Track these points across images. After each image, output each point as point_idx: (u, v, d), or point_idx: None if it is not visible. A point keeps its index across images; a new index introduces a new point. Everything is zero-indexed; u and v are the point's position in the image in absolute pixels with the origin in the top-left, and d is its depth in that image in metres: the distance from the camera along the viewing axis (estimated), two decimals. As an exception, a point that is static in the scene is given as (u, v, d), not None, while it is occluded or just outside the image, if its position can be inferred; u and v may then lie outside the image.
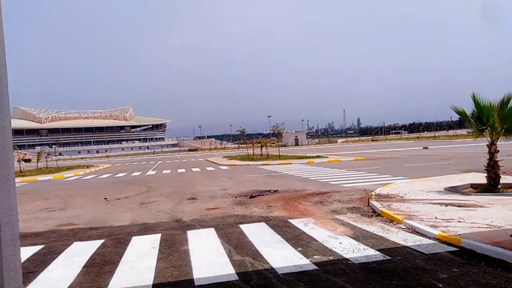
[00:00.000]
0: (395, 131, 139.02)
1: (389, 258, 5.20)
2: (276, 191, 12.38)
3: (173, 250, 6.14)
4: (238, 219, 8.33)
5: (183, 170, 26.43)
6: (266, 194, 11.74)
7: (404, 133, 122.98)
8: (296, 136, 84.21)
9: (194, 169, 26.31)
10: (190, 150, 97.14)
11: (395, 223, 7.19)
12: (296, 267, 5.01)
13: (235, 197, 11.57)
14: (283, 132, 52.77)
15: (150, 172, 26.05)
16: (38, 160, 37.40)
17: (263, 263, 5.25)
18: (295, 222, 7.66)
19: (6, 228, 3.90)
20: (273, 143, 73.21)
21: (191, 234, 7.17)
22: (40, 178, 25.86)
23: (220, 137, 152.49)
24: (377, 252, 5.47)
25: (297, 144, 79.62)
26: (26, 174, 28.75)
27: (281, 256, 5.52)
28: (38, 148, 50.07)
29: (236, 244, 6.26)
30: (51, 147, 65.88)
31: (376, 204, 8.57)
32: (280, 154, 33.98)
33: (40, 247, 6.87)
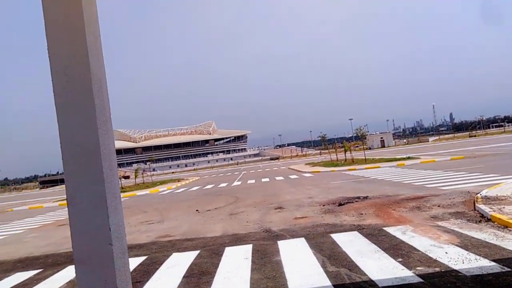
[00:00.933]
0: (496, 124, 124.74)
1: (509, 269, 4.56)
2: (366, 197, 11.82)
3: (266, 261, 6.14)
4: (329, 228, 8.08)
5: (267, 179, 26.74)
6: (356, 201, 11.26)
7: (508, 126, 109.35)
8: (381, 138, 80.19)
9: (277, 178, 26.47)
10: (271, 159, 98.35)
11: (511, 229, 6.33)
12: (398, 280, 4.65)
13: (323, 205, 11.29)
14: (367, 135, 50.66)
15: (236, 183, 26.83)
16: (136, 177, 40.99)
17: (361, 275, 4.97)
18: (391, 230, 7.18)
19: (116, 242, 4.22)
20: (357, 146, 70.62)
21: (281, 244, 7.12)
22: (139, 193, 28.20)
23: (300, 144, 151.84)
24: (493, 263, 4.84)
25: (383, 146, 75.79)
26: (126, 190, 31.61)
27: (380, 267, 5.17)
28: (134, 166, 55.02)
29: (329, 255, 6.04)
30: (146, 164, 71.82)
31: (484, 207, 7.66)
32: (366, 157, 32.60)
33: (143, 258, 7.39)
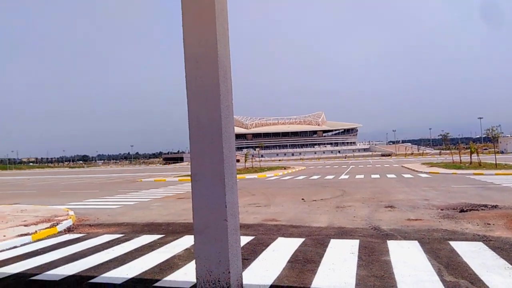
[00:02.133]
0: None
1: None
2: (494, 206, 10.43)
3: (373, 259, 5.90)
4: (447, 234, 7.37)
5: (377, 176, 25.52)
6: (482, 209, 10.02)
7: None
8: (518, 141, 69.59)
9: (389, 175, 25.06)
10: (383, 155, 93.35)
11: None
12: (533, 304, 4.03)
13: (441, 210, 10.33)
14: (499, 137, 44.26)
15: (343, 176, 26.23)
16: (245, 161, 43.12)
17: (485, 291, 4.43)
18: (526, 247, 6.22)
19: (231, 219, 4.52)
20: (486, 149, 62.43)
21: (391, 244, 6.75)
22: (248, 176, 29.61)
23: (417, 142, 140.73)
24: None
25: (518, 151, 65.71)
26: (236, 173, 33.48)
27: (510, 286, 4.54)
28: (244, 151, 57.77)
29: (447, 263, 5.52)
30: (255, 150, 74.89)
31: None
32: (497, 162, 28.63)
33: (251, 237, 7.77)
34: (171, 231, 8.87)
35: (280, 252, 6.53)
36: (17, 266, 6.28)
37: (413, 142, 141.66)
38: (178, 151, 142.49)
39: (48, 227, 9.22)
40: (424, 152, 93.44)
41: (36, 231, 8.76)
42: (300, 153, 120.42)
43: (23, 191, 24.71)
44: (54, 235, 8.85)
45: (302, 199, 13.90)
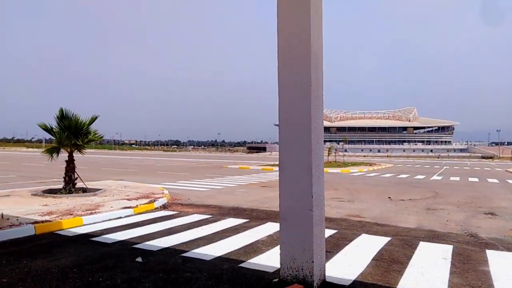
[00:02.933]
0: None
1: None
2: None
3: (469, 268, 5.45)
4: (561, 251, 6.48)
5: (476, 179, 23.22)
6: None
7: None
8: None
9: (490, 180, 22.64)
10: (483, 158, 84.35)
11: None
12: None
13: (554, 222, 9.08)
14: None
15: (435, 177, 24.37)
16: (328, 155, 42.35)
17: None
18: None
19: (316, 210, 4.56)
20: None
21: (491, 254, 6.15)
22: (330, 170, 29.10)
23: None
24: None
25: None
26: (323, 166, 33.11)
27: None
28: (328, 144, 56.65)
29: (560, 283, 4.87)
30: (338, 144, 73.18)
31: None
32: None
33: (333, 231, 7.70)
34: (254, 216, 9.19)
35: (364, 249, 6.38)
36: (122, 234, 7.09)
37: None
38: (261, 141, 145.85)
39: (146, 203, 10.20)
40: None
41: (137, 205, 9.76)
42: (387, 150, 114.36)
43: (125, 169, 27.56)
44: (152, 211, 9.76)
45: (389, 197, 13.30)
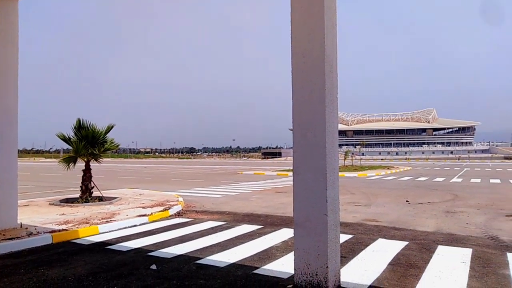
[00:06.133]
0: None
1: None
2: None
3: (489, 271, 5.28)
4: None
5: (497, 180, 22.60)
6: None
7: None
8: None
9: (512, 181, 22.01)
10: (506, 158, 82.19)
11: None
12: None
13: None
14: None
15: (455, 179, 23.83)
16: (345, 159, 42.04)
17: None
18: None
19: (331, 215, 4.49)
20: None
21: (513, 257, 5.96)
22: (347, 174, 28.80)
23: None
24: None
25: None
26: (338, 170, 32.82)
27: None
28: (344, 148, 56.13)
29: None
30: (355, 147, 72.45)
31: None
32: None
33: (349, 236, 7.59)
34: (269, 222, 9.14)
35: (380, 254, 6.26)
36: (137, 242, 7.14)
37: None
38: (277, 147, 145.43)
39: (161, 210, 10.27)
40: (561, 156, 79.51)
41: (152, 213, 9.84)
42: (405, 153, 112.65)
43: (141, 177, 27.89)
44: (166, 218, 9.82)
45: (407, 201, 13.04)
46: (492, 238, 7.33)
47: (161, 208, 10.72)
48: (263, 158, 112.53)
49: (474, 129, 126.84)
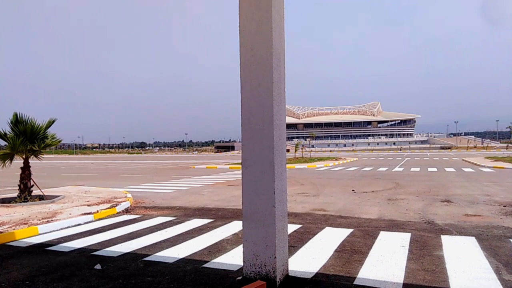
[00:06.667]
0: None
1: None
2: None
3: (425, 253, 5.67)
4: (509, 232, 6.87)
5: (434, 169, 24.26)
6: (551, 207, 9.21)
7: None
8: None
9: (447, 169, 23.72)
10: (442, 148, 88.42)
11: None
12: None
13: (504, 206, 9.63)
14: None
15: (397, 169, 25.26)
16: (295, 151, 42.98)
17: (550, 294, 4.11)
18: None
19: (279, 206, 4.56)
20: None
21: (445, 239, 6.44)
22: (297, 166, 29.49)
23: (481, 135, 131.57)
24: None
25: None
26: (286, 162, 33.47)
27: None
28: (295, 140, 57.38)
29: (507, 262, 5.17)
30: (305, 140, 74.35)
31: None
32: None
33: (298, 226, 7.78)
34: (220, 216, 9.13)
35: (327, 242, 6.49)
36: (81, 242, 6.82)
37: (477, 135, 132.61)
38: (230, 140, 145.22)
39: (108, 208, 9.89)
40: (489, 145, 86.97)
41: (97, 211, 9.43)
42: (352, 144, 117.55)
43: (87, 174, 26.62)
44: (113, 215, 9.47)
45: (353, 190, 13.62)
46: (428, 223, 7.87)
47: (108, 205, 10.32)
48: (216, 152, 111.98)
49: (415, 121, 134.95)
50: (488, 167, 24.92)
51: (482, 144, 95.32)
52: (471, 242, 6.21)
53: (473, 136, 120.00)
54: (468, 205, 9.88)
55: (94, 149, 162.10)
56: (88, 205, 10.39)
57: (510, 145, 64.11)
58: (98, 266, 5.31)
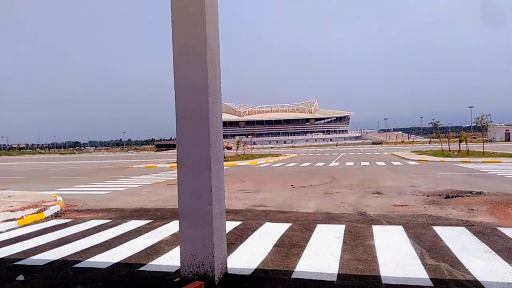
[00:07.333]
0: None
1: None
2: (479, 193, 10.60)
3: (358, 243, 5.97)
4: (431, 219, 7.49)
5: (367, 163, 25.72)
6: (466, 196, 10.18)
7: None
8: (507, 130, 70.63)
9: (378, 163, 25.26)
10: (374, 143, 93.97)
11: None
12: (510, 286, 4.12)
13: (427, 196, 10.47)
14: (489, 125, 44.71)
15: (333, 164, 26.39)
16: (237, 148, 43.15)
17: (464, 273, 4.52)
18: (507, 231, 6.35)
19: (216, 204, 4.52)
20: (475, 138, 63.31)
21: (376, 229, 6.84)
22: (239, 163, 29.63)
23: (408, 130, 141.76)
24: None
25: (508, 140, 66.78)
26: (228, 160, 33.46)
27: (488, 269, 4.64)
28: (237, 138, 57.56)
29: (429, 247, 5.61)
30: (247, 137, 74.90)
31: None
32: (485, 150, 29.07)
33: (238, 223, 7.80)
34: (159, 216, 8.87)
35: (266, 237, 6.57)
36: (2, 251, 6.23)
37: (404, 130, 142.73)
38: (171, 138, 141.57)
39: (35, 213, 9.16)
40: (415, 140, 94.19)
41: (22, 217, 8.69)
42: (292, 141, 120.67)
43: (12, 177, 24.45)
44: (41, 221, 8.79)
45: (292, 185, 13.98)
46: (361, 214, 8.31)
47: (35, 210, 9.55)
48: (156, 151, 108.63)
49: (349, 118, 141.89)
50: (413, 160, 26.94)
51: (408, 139, 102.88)
52: (398, 231, 6.65)
53: (400, 132, 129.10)
54: (397, 196, 10.59)
55: (21, 150, 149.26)
56: (12, 211, 9.54)
57: (432, 140, 70.02)
58: (20, 277, 4.88)
